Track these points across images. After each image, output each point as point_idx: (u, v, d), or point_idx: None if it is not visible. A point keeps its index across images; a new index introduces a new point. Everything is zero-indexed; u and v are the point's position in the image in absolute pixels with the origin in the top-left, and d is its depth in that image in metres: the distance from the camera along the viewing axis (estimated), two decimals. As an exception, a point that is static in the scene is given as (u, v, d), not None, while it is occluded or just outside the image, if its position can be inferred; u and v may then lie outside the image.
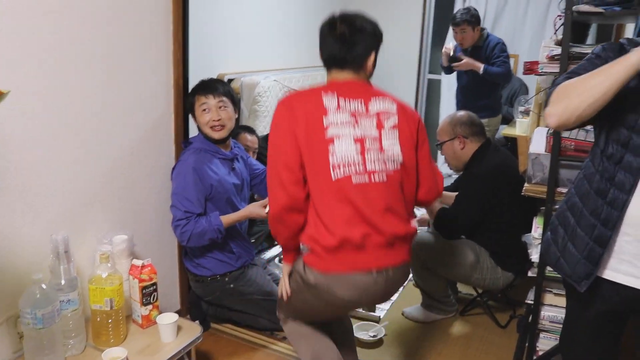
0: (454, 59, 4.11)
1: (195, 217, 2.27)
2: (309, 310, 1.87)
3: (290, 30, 4.88)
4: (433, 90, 5.66)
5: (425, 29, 5.45)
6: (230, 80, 4.00)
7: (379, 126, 1.72)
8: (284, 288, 1.84)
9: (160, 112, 2.33)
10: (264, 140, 3.23)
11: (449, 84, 5.36)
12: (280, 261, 3.28)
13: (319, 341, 1.91)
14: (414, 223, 1.80)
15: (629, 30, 3.72)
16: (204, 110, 2.31)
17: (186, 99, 2.41)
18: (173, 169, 2.35)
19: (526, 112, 3.30)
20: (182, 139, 2.43)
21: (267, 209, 2.44)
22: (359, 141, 1.67)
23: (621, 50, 1.41)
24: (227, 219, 2.33)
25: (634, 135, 1.34)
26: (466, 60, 3.96)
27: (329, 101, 1.68)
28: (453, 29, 4.02)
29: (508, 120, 4.28)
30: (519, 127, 3.20)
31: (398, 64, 5.54)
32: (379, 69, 1.80)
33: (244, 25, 4.19)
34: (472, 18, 3.95)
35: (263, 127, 3.93)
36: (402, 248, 1.75)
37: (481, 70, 3.91)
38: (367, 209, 1.66)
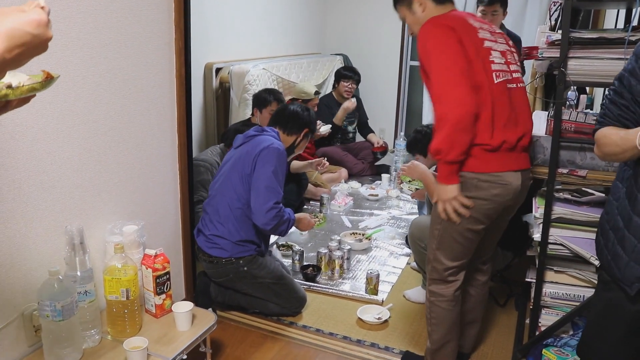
0: None
1: None
2: (462, 233, 1.93)
3: (277, 19, 4.87)
4: (415, 77, 5.73)
5: (407, 16, 5.50)
6: (218, 70, 3.99)
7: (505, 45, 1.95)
8: (460, 207, 1.84)
9: (164, 101, 2.31)
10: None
11: (431, 71, 5.42)
12: (278, 248, 3.30)
13: (455, 334, 2.09)
14: None
15: (609, 16, 3.83)
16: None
17: (299, 123, 2.62)
18: (265, 147, 2.39)
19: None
20: (185, 129, 2.42)
21: (315, 218, 2.84)
22: (503, 54, 1.90)
23: None
24: None
25: None
26: None
27: (473, 21, 1.89)
28: (481, 10, 3.53)
29: None
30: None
31: (381, 51, 5.59)
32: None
33: (232, 14, 4.16)
34: None
35: (253, 115, 3.92)
36: (528, 153, 1.98)
37: None
38: (518, 112, 1.88)
